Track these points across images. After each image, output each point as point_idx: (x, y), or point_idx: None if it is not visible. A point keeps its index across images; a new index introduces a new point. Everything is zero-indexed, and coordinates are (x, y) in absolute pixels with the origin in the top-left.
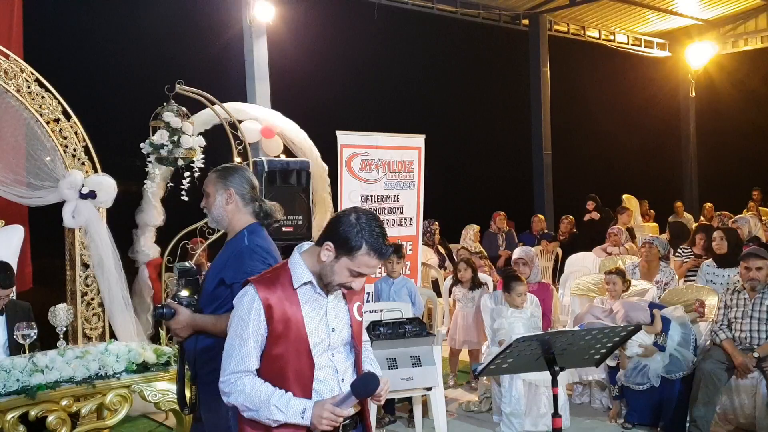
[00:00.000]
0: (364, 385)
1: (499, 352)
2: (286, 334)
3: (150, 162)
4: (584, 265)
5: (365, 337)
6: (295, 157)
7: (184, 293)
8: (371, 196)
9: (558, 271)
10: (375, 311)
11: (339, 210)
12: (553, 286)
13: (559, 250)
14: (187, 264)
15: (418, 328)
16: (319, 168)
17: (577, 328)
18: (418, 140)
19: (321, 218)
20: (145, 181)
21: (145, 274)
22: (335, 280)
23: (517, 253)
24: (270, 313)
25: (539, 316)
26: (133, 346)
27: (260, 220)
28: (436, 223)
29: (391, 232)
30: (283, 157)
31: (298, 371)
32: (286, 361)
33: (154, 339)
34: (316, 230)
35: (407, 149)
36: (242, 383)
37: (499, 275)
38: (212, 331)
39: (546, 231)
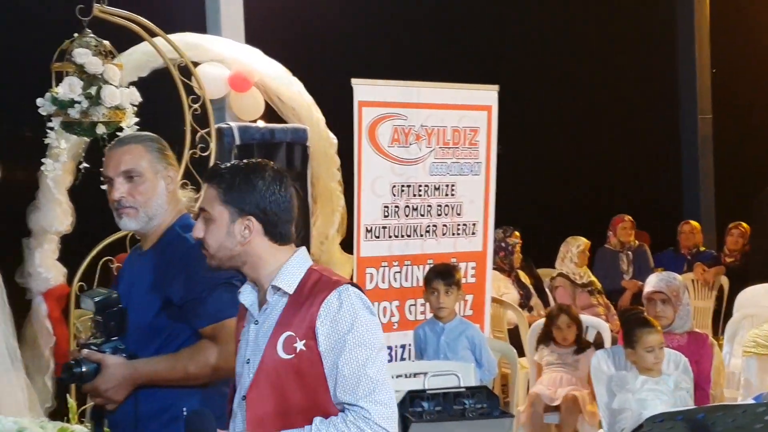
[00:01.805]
0: (193, 426)
1: None
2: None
3: (52, 129)
4: (766, 306)
5: (352, 397)
6: (285, 122)
7: (100, 338)
8: (409, 186)
9: (723, 314)
10: (414, 375)
11: (356, 211)
12: (715, 339)
13: (726, 281)
14: (102, 290)
15: (487, 403)
16: (322, 141)
17: (750, 401)
18: (488, 95)
19: (326, 221)
20: (43, 161)
21: (42, 311)
22: None
23: (654, 283)
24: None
25: (690, 388)
26: (25, 423)
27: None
28: (517, 233)
29: (442, 244)
30: (262, 123)
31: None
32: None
33: (56, 415)
34: (318, 240)
35: (469, 109)
36: None
37: (621, 320)
38: (169, 379)
39: (703, 248)
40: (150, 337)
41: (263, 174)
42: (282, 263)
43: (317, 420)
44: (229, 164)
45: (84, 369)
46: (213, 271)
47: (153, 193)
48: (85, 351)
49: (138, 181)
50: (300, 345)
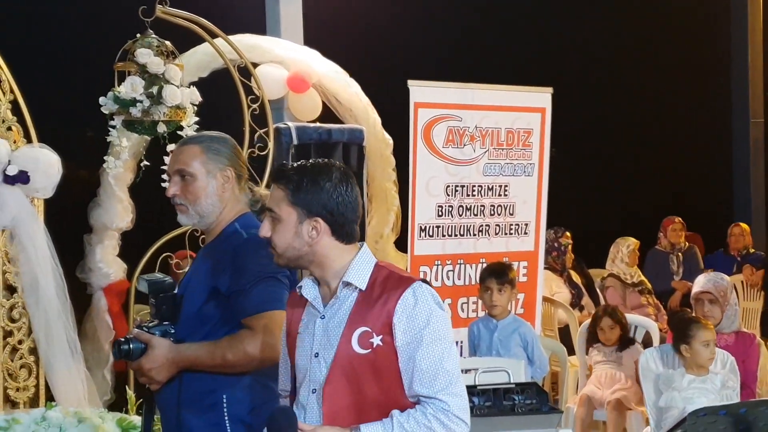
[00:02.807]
0: (274, 425)
1: None
2: (288, 351)
3: (114, 127)
4: None
5: (432, 390)
6: (342, 122)
7: (153, 320)
8: (463, 186)
9: None
10: (466, 371)
11: (411, 211)
12: (762, 339)
13: None
14: (158, 275)
15: (536, 399)
16: (378, 141)
17: None
18: (542, 97)
19: (381, 220)
20: (105, 158)
21: (102, 306)
22: None
23: (702, 283)
24: (287, 324)
25: (736, 387)
26: (86, 413)
27: (253, 211)
28: (568, 234)
29: (494, 244)
30: (321, 124)
31: (293, 399)
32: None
33: (115, 407)
34: (372, 239)
35: (523, 111)
36: None
37: (671, 322)
38: (208, 365)
39: (753, 250)
40: (198, 324)
41: (330, 175)
42: (348, 261)
43: (396, 413)
44: (296, 164)
45: (131, 346)
46: (261, 265)
47: (202, 193)
48: (136, 330)
49: (189, 181)
50: (377, 340)
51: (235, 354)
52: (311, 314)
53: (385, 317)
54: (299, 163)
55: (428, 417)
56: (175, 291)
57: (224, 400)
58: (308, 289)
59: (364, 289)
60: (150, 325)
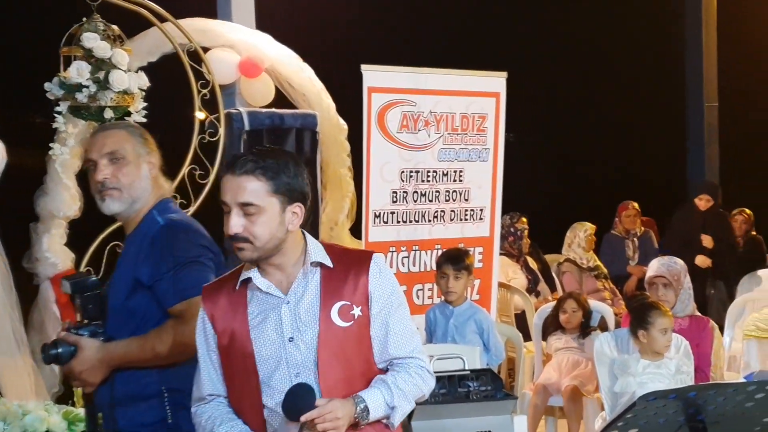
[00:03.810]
0: (292, 401)
1: (614, 417)
2: (232, 349)
3: (60, 114)
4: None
5: (407, 350)
6: (295, 108)
7: (80, 321)
8: (417, 171)
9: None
10: None
11: (365, 197)
12: (716, 322)
13: None
14: (80, 274)
15: (491, 386)
16: (332, 127)
17: (742, 380)
18: (496, 81)
19: (336, 207)
20: (51, 145)
21: (49, 296)
22: None
23: (655, 268)
24: (215, 325)
25: (690, 371)
26: (30, 407)
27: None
28: (524, 219)
29: (450, 230)
30: (273, 109)
31: (250, 395)
32: (239, 384)
33: (63, 399)
34: (327, 226)
35: (478, 95)
36: (201, 412)
37: (628, 306)
38: (140, 360)
39: None
40: (125, 319)
41: (294, 159)
42: (302, 243)
43: (382, 377)
44: (257, 152)
45: (60, 350)
46: (180, 250)
47: (136, 176)
48: (62, 333)
49: (122, 163)
50: (357, 311)
51: (165, 344)
52: (268, 303)
53: (362, 288)
54: (260, 150)
55: (412, 375)
56: (100, 289)
57: (164, 390)
58: (260, 279)
59: (332, 266)
60: (78, 326)
